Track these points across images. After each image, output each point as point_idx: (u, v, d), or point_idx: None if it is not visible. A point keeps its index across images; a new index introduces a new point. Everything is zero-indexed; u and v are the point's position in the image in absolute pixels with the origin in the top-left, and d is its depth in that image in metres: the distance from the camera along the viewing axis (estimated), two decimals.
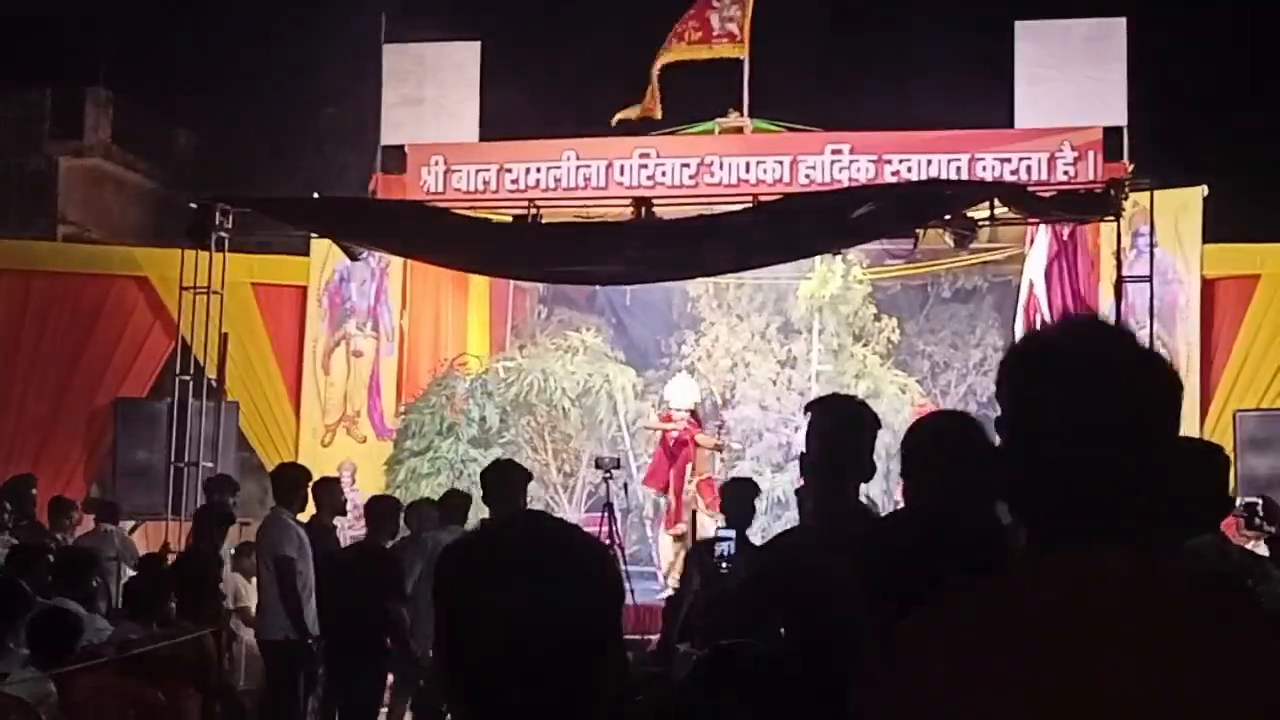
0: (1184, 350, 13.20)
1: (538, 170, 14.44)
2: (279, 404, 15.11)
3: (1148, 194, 12.38)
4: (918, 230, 11.86)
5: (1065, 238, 13.30)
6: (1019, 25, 14.04)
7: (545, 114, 16.51)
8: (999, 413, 1.76)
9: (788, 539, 4.31)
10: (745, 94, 14.86)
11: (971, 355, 15.74)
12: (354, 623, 8.82)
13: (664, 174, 14.26)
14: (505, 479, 8.27)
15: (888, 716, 1.65)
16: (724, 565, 8.48)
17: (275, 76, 19.73)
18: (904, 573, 2.41)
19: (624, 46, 15.25)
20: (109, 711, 5.87)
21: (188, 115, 23.05)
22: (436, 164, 14.64)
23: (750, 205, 12.60)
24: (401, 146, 15.00)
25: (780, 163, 14.16)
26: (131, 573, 9.18)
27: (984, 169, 13.72)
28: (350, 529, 12.22)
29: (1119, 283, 11.90)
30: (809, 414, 3.96)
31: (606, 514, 11.80)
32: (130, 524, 12.69)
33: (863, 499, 3.91)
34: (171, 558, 9.84)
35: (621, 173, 14.31)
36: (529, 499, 9.73)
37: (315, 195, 13.68)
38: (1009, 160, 13.76)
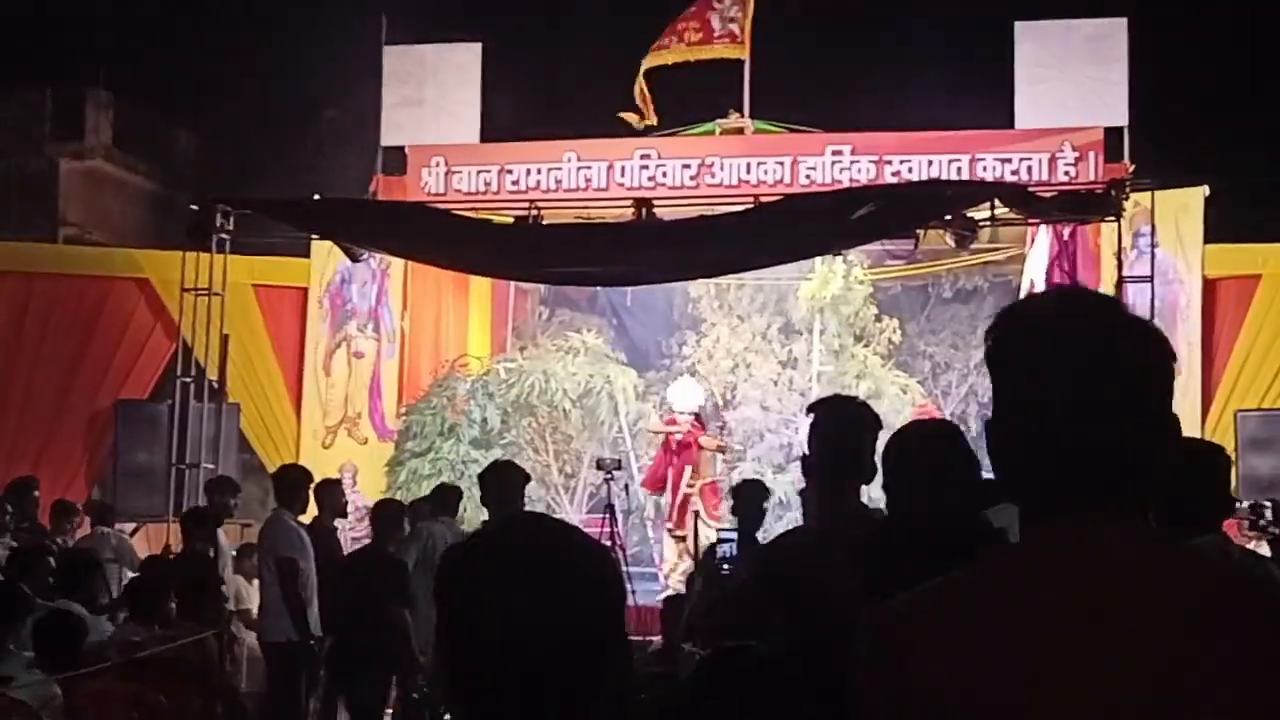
0: (1185, 350, 13.19)
1: (538, 171, 14.44)
2: (280, 405, 15.11)
3: (1149, 194, 12.40)
4: (918, 231, 11.87)
5: (1066, 238, 13.29)
6: (1019, 25, 14.05)
7: (546, 115, 16.51)
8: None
9: (789, 540, 4.31)
10: (746, 95, 14.87)
11: (973, 356, 15.73)
12: (360, 626, 8.83)
13: (665, 175, 14.27)
14: (504, 480, 8.27)
15: (880, 705, 1.64)
16: (725, 566, 8.50)
17: (276, 78, 19.72)
18: (903, 574, 2.41)
19: (625, 47, 15.24)
20: (112, 714, 5.87)
21: (188, 117, 23.04)
22: (437, 165, 14.65)
23: (751, 206, 12.62)
24: (402, 148, 15.01)
25: (781, 163, 14.16)
26: (131, 574, 9.19)
27: (985, 169, 13.73)
28: (351, 531, 12.24)
29: (1120, 283, 11.91)
30: (811, 415, 3.96)
31: (608, 515, 11.82)
32: (131, 526, 12.70)
33: (864, 500, 3.91)
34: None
35: (622, 174, 14.32)
36: (530, 500, 9.77)
37: (316, 197, 13.67)
38: (1010, 161, 13.77)
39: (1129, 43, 13.75)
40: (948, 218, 11.61)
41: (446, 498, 10.25)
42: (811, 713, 2.89)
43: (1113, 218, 11.73)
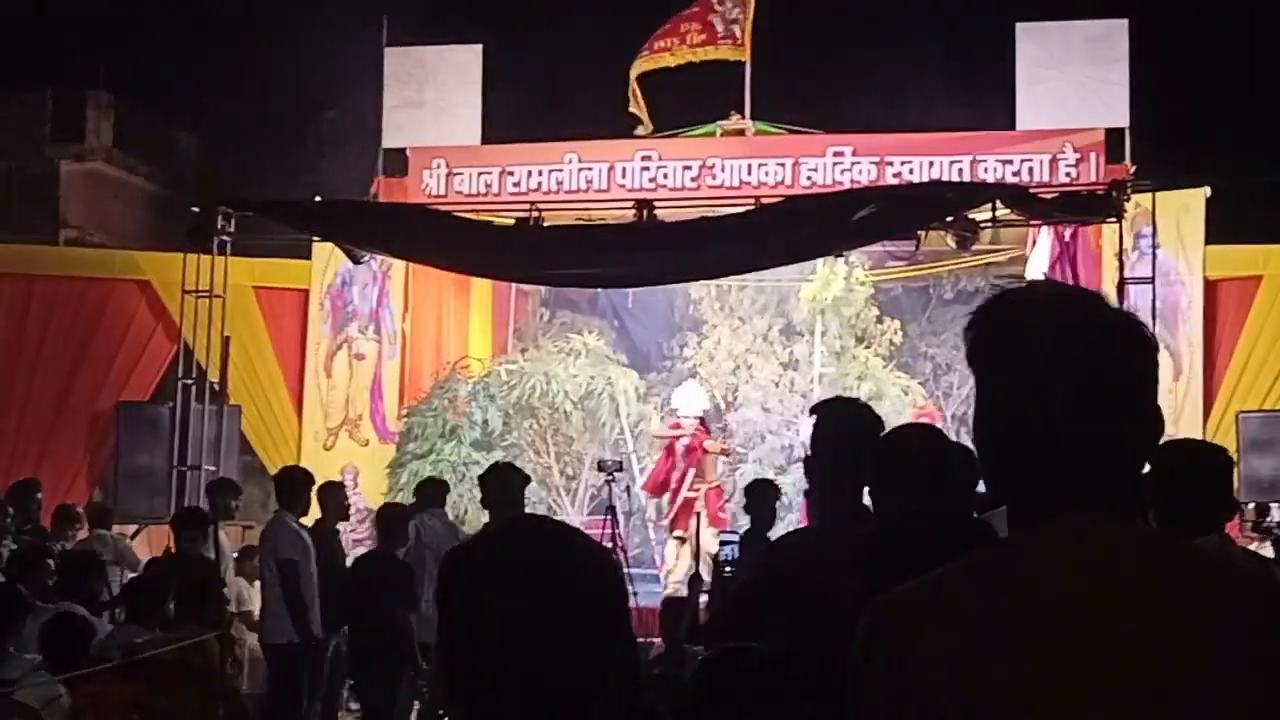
0: (1186, 352, 13.20)
1: (539, 173, 14.44)
2: (281, 407, 15.12)
3: (1150, 195, 12.39)
4: (920, 232, 11.86)
5: (1067, 239, 13.29)
6: (1020, 27, 14.03)
7: (547, 116, 16.54)
8: None
9: (790, 540, 4.32)
10: (747, 96, 14.86)
11: None
12: (367, 628, 8.84)
13: (666, 176, 14.26)
14: (505, 482, 8.30)
15: (879, 702, 1.63)
16: (727, 569, 8.51)
17: (277, 80, 19.72)
18: (904, 574, 2.40)
19: (626, 49, 15.23)
20: (113, 716, 5.87)
21: (189, 118, 23.07)
22: (438, 167, 14.65)
23: (752, 207, 12.61)
24: (403, 149, 15.01)
25: (782, 165, 14.16)
26: (131, 575, 9.18)
27: (986, 171, 13.72)
28: (353, 533, 12.24)
29: (1121, 284, 11.90)
30: (813, 416, 3.96)
31: (609, 517, 11.81)
32: (132, 528, 12.69)
33: (865, 501, 3.90)
34: None
35: (623, 175, 14.31)
36: (532, 502, 9.77)
37: (317, 198, 13.68)
38: (1011, 162, 13.76)
39: (1130, 43, 13.74)
40: (949, 219, 11.61)
41: (431, 491, 10.35)
42: (811, 713, 2.89)
43: (1114, 219, 11.72)
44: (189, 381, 13.12)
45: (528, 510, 9.54)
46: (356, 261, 13.42)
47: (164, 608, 7.07)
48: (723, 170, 14.23)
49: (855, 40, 20.76)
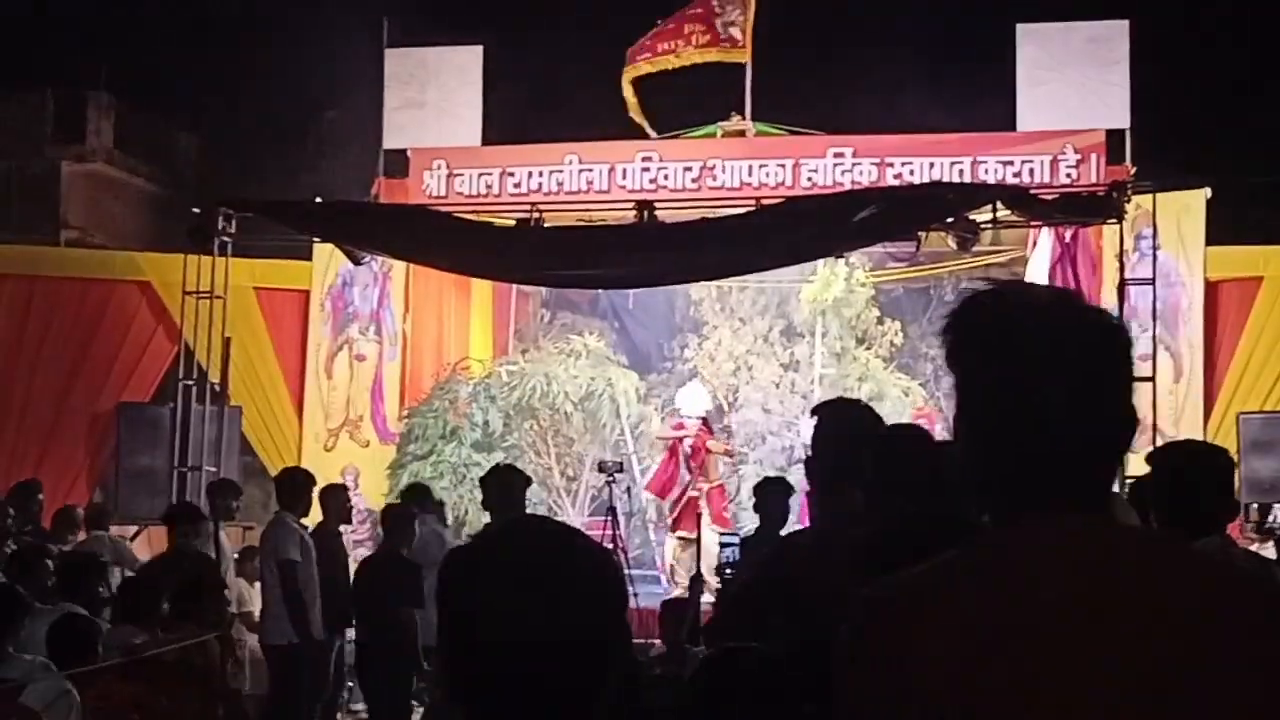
0: (1187, 353, 13.20)
1: (540, 174, 14.43)
2: (282, 408, 15.12)
3: (1150, 196, 12.38)
4: (920, 233, 11.86)
5: (1068, 240, 13.29)
6: (1020, 28, 14.02)
7: (547, 117, 16.53)
8: None
9: (791, 541, 4.32)
10: (748, 97, 14.86)
11: None
12: (375, 629, 8.85)
13: (666, 177, 14.25)
14: (506, 484, 8.30)
15: (874, 702, 1.62)
16: (728, 570, 8.51)
17: (277, 80, 19.73)
18: None
19: (626, 49, 15.23)
20: (114, 716, 5.87)
21: (190, 119, 23.08)
22: (439, 168, 14.64)
23: (753, 208, 12.61)
24: (404, 150, 15.00)
25: (783, 166, 14.15)
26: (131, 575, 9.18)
27: (986, 172, 13.72)
28: (354, 534, 12.24)
29: (1122, 285, 11.89)
30: (814, 418, 3.97)
31: (609, 518, 11.82)
32: (133, 529, 12.69)
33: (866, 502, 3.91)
34: None
35: (624, 176, 14.31)
36: (532, 503, 9.77)
37: (317, 199, 13.67)
38: (1011, 163, 13.75)
39: (1130, 44, 13.73)
40: (950, 220, 11.61)
41: (421, 495, 10.46)
42: (812, 713, 2.89)
43: (1114, 220, 11.72)
44: (190, 382, 13.11)
45: (528, 511, 9.55)
46: (357, 262, 13.42)
47: (159, 607, 7.06)
48: (723, 171, 14.22)
49: (855, 41, 20.76)
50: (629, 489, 13.30)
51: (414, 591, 8.66)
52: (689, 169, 14.28)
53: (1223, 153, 17.24)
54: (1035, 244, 13.82)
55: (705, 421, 13.41)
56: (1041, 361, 1.64)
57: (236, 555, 10.96)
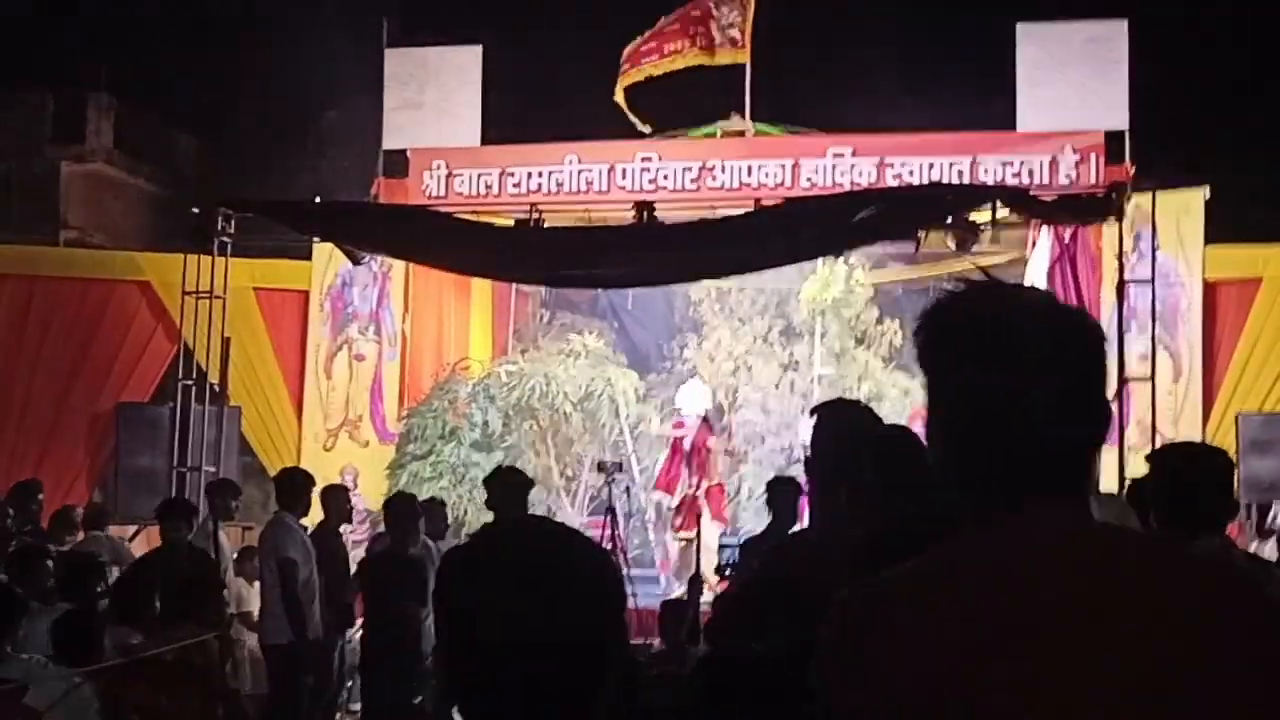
0: (1186, 353, 13.20)
1: (539, 174, 14.42)
2: (281, 408, 15.11)
3: (1149, 196, 12.37)
4: (920, 233, 11.86)
5: (1067, 240, 13.28)
6: (1020, 28, 14.01)
7: (547, 117, 16.53)
8: None
9: (791, 541, 4.32)
10: (747, 97, 14.86)
11: None
12: (381, 626, 8.86)
13: (666, 177, 14.24)
14: (508, 485, 8.30)
15: (859, 693, 1.62)
16: (727, 570, 8.52)
17: (277, 81, 19.74)
18: None
19: (625, 50, 15.22)
20: (113, 717, 5.87)
21: (189, 119, 23.07)
22: (438, 168, 14.63)
23: (752, 208, 12.61)
24: (403, 150, 14.99)
25: (782, 166, 14.14)
26: None
27: (986, 172, 13.70)
28: (353, 534, 12.23)
29: (1121, 285, 11.89)
30: (813, 418, 3.97)
31: (608, 517, 11.81)
32: (131, 529, 12.68)
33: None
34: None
35: (623, 176, 14.29)
36: (531, 503, 9.77)
37: (317, 199, 13.68)
38: (1011, 163, 13.73)
39: (1129, 44, 13.73)
40: (949, 220, 11.61)
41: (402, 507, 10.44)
42: (811, 713, 2.89)
43: (1114, 220, 11.72)
44: (189, 382, 13.12)
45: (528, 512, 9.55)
46: (356, 262, 13.42)
47: (152, 605, 7.05)
48: (722, 171, 14.21)
49: (855, 41, 20.77)
50: (628, 489, 13.30)
51: (418, 587, 8.67)
52: (688, 169, 14.27)
53: (1222, 153, 17.23)
54: (1035, 244, 13.81)
55: (705, 420, 13.41)
56: (1023, 361, 1.64)
57: (235, 555, 10.97)
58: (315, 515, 9.77)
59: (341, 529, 10.16)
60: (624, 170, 14.30)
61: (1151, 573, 1.60)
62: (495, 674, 1.59)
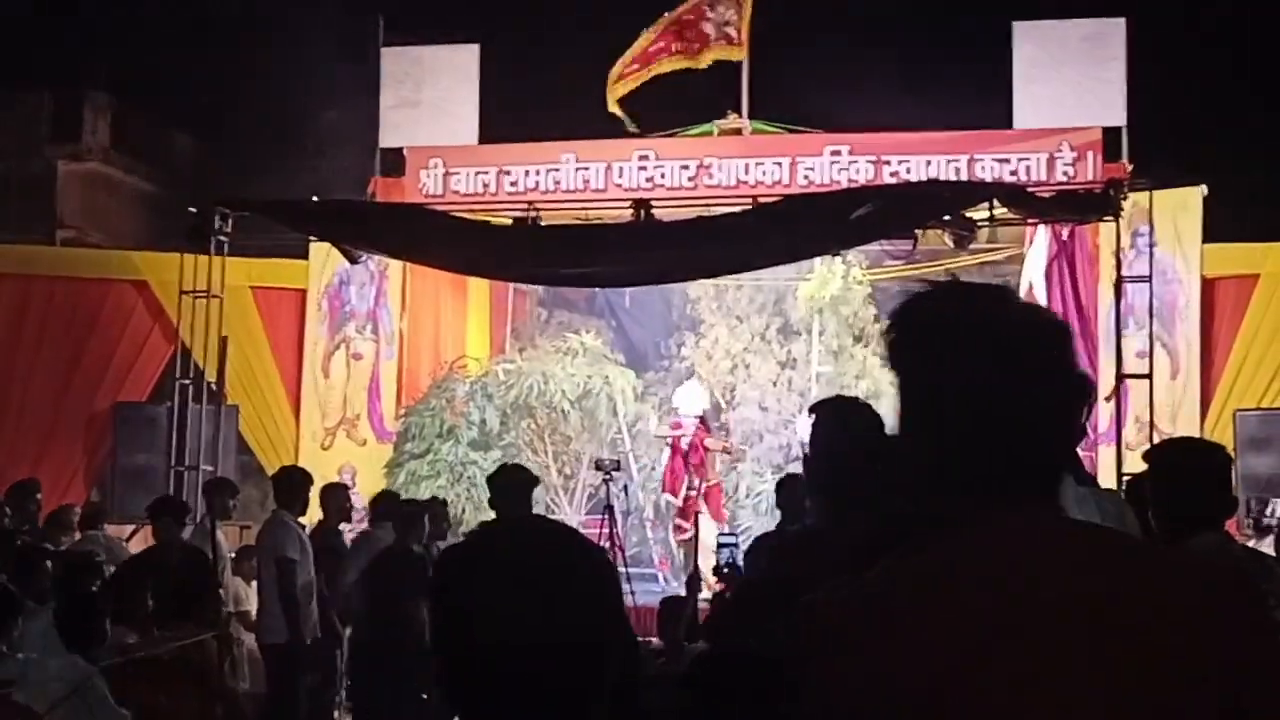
0: (1184, 350, 13.21)
1: (537, 172, 14.43)
2: (279, 407, 15.11)
3: (1147, 194, 12.39)
4: (917, 231, 11.86)
5: (1065, 238, 13.29)
6: (1017, 26, 14.03)
7: (544, 116, 16.50)
8: None
9: (790, 540, 4.32)
10: (744, 95, 14.86)
11: None
12: (383, 624, 8.86)
13: (663, 176, 14.26)
14: (511, 484, 8.28)
15: (847, 691, 1.62)
16: (725, 569, 8.51)
17: (274, 80, 19.69)
18: None
19: (624, 49, 15.22)
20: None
21: (186, 119, 23.03)
22: (435, 166, 14.64)
23: (749, 207, 12.61)
24: (400, 149, 15.00)
25: (779, 164, 14.15)
26: None
27: (983, 170, 13.72)
28: (352, 533, 12.22)
29: (1118, 283, 11.90)
30: (812, 416, 3.96)
31: (607, 516, 11.82)
32: (129, 529, 12.67)
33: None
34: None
35: (620, 175, 14.31)
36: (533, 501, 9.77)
37: (314, 198, 13.67)
38: (1008, 161, 13.75)
39: (1127, 42, 13.73)
40: (946, 218, 11.60)
41: (390, 502, 10.52)
42: (788, 714, 2.89)
43: (1111, 217, 11.72)
44: (186, 381, 13.12)
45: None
46: (354, 261, 13.41)
47: (145, 603, 7.04)
48: (720, 169, 14.22)
49: (852, 40, 20.73)
50: (626, 487, 13.30)
51: (421, 585, 8.68)
52: (686, 167, 14.29)
53: (1220, 150, 17.23)
54: (1032, 242, 13.82)
55: (703, 420, 13.42)
56: (991, 360, 1.64)
57: (233, 554, 10.95)
58: (314, 514, 9.77)
59: (341, 527, 10.17)
60: (621, 169, 14.31)
61: (1149, 573, 1.61)
62: (493, 674, 1.59)
